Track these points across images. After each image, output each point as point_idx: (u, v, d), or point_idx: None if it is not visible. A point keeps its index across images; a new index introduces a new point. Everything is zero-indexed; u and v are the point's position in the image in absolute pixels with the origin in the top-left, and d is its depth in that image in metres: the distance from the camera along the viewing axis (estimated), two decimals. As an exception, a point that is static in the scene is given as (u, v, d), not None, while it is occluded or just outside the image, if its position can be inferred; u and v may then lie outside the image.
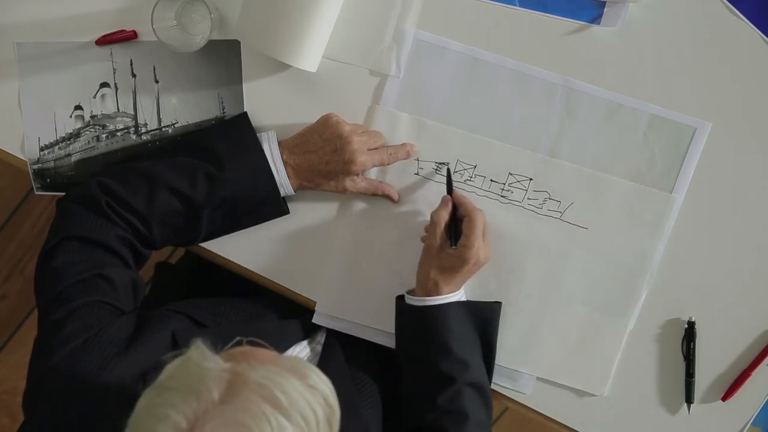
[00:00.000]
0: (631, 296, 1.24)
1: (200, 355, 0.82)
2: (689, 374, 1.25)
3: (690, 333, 1.24)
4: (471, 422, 1.17)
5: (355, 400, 1.21)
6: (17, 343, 2.20)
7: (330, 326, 1.27)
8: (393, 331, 1.26)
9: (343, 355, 1.25)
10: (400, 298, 1.23)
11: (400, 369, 1.24)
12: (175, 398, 0.78)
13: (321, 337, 1.27)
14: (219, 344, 0.86)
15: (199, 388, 0.78)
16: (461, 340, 1.18)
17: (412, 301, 1.20)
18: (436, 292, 1.18)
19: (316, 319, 1.27)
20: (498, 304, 1.23)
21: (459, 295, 1.20)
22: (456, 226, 1.19)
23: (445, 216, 1.18)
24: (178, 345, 1.09)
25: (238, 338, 0.93)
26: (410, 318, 1.21)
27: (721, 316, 1.24)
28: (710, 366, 1.26)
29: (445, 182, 1.22)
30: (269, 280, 1.28)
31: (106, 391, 1.03)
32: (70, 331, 1.06)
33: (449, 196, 1.20)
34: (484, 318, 1.21)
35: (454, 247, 1.17)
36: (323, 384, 0.84)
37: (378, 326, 1.27)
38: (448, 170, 1.22)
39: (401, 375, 1.24)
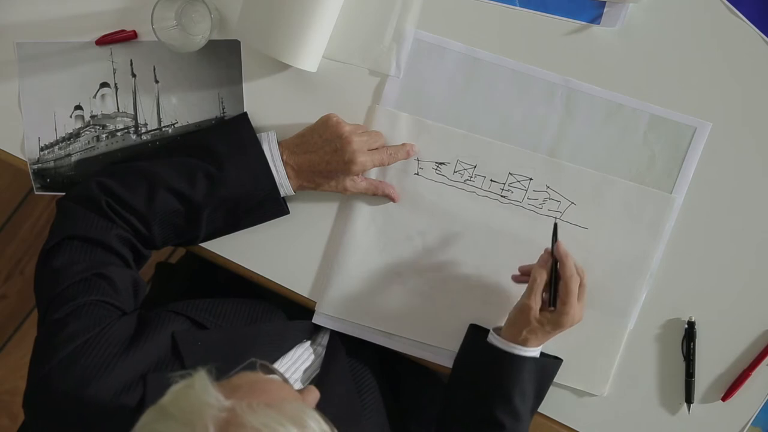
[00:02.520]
0: (631, 296, 1.24)
1: (203, 387, 0.81)
2: (689, 374, 1.25)
3: (690, 333, 1.24)
4: None
5: (356, 405, 1.21)
6: (17, 344, 2.20)
7: (330, 326, 1.27)
8: (393, 331, 1.27)
9: (346, 358, 1.25)
10: (479, 330, 1.22)
11: (448, 389, 1.24)
12: (173, 428, 0.78)
13: (323, 339, 1.27)
14: (224, 352, 0.85)
15: (195, 423, 0.78)
16: (524, 392, 1.17)
17: (496, 341, 1.18)
18: (526, 344, 1.17)
19: (316, 320, 1.27)
20: (560, 361, 1.23)
21: (538, 349, 1.19)
22: (555, 283, 1.16)
23: (545, 277, 1.15)
24: (178, 346, 1.09)
25: (252, 360, 0.92)
26: (486, 355, 1.19)
27: (721, 316, 1.24)
28: (710, 366, 1.26)
29: (551, 236, 1.17)
30: (269, 280, 1.28)
31: (107, 390, 1.03)
32: (71, 331, 1.06)
33: (549, 256, 1.16)
34: (547, 374, 1.21)
35: (552, 308, 1.15)
36: None
37: (378, 327, 1.27)
38: (555, 225, 1.17)
39: (446, 393, 1.24)
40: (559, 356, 1.24)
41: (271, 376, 0.90)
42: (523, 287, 1.18)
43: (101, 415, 1.02)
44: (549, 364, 1.21)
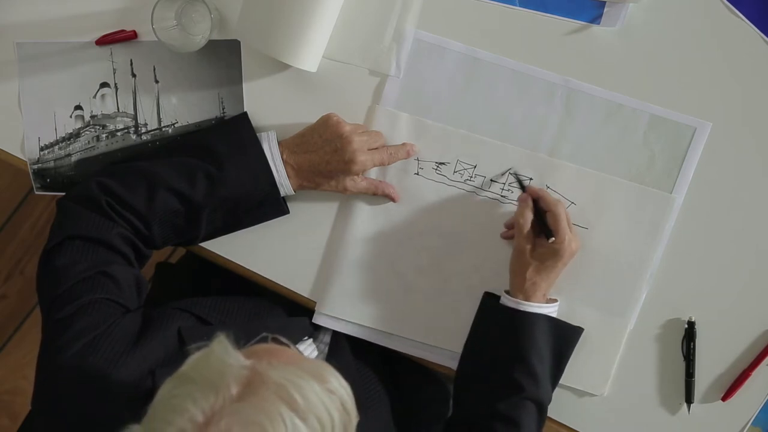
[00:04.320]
0: (631, 296, 1.24)
1: (223, 349, 0.82)
2: (689, 374, 1.25)
3: (690, 333, 1.24)
4: None
5: (362, 399, 1.21)
6: (17, 344, 2.20)
7: (330, 326, 1.27)
8: (393, 331, 1.27)
9: (350, 355, 1.25)
10: (491, 296, 1.22)
11: (463, 359, 1.23)
12: (195, 391, 0.79)
13: (325, 337, 1.27)
14: (242, 340, 0.86)
15: (218, 384, 0.79)
16: (540, 354, 1.17)
17: (507, 301, 1.19)
18: (533, 294, 1.17)
19: (316, 319, 1.27)
20: (581, 330, 1.22)
21: (552, 309, 1.20)
22: (541, 220, 1.18)
23: (529, 216, 1.17)
24: (184, 342, 1.09)
25: (264, 334, 0.93)
26: (498, 318, 1.20)
27: (721, 316, 1.24)
28: (710, 366, 1.26)
29: (516, 184, 1.21)
30: (269, 280, 1.28)
31: (116, 387, 1.03)
32: (78, 329, 1.06)
33: (526, 194, 1.18)
34: (565, 339, 1.20)
35: (552, 240, 1.16)
36: (342, 389, 0.84)
37: (378, 327, 1.27)
38: (515, 173, 1.21)
39: (461, 365, 1.23)
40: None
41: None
42: None
43: (111, 411, 1.02)
44: (566, 328, 1.20)
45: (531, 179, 1.23)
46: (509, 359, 1.17)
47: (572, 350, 1.21)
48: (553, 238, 1.16)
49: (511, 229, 1.22)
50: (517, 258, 1.18)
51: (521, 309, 1.17)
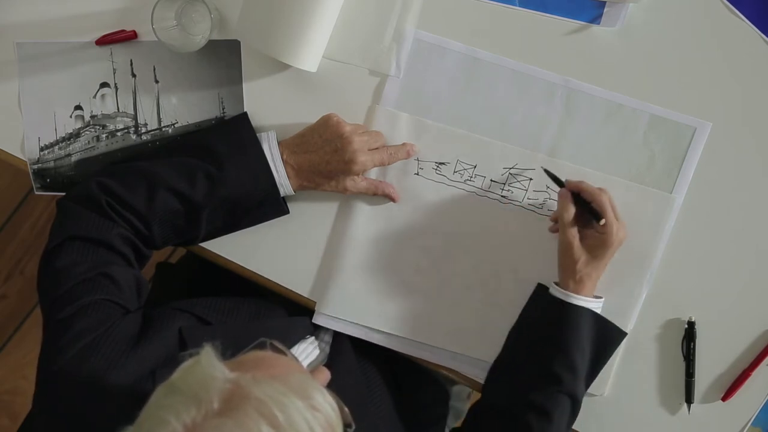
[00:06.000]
0: (631, 296, 1.24)
1: (208, 361, 0.82)
2: (689, 374, 1.25)
3: (690, 333, 1.24)
4: (553, 429, 1.16)
5: (364, 397, 1.21)
6: (17, 344, 2.20)
7: (330, 326, 1.27)
8: (393, 331, 1.27)
9: (353, 354, 1.25)
10: (542, 287, 1.22)
11: (505, 348, 1.23)
12: (179, 403, 0.79)
13: (327, 336, 1.27)
14: (231, 348, 0.86)
15: (201, 396, 0.78)
16: (582, 349, 1.17)
17: (556, 292, 1.19)
18: (583, 287, 1.17)
19: (316, 319, 1.27)
20: (624, 333, 1.22)
21: (598, 305, 1.20)
22: (585, 208, 1.17)
23: (572, 209, 1.17)
24: (185, 342, 1.09)
25: (262, 339, 0.93)
26: (546, 308, 1.20)
27: (721, 316, 1.24)
28: (710, 366, 1.26)
29: (552, 180, 1.20)
30: (269, 280, 1.28)
31: (116, 388, 1.03)
32: (78, 330, 1.06)
33: (565, 190, 1.18)
34: (608, 338, 1.20)
35: (603, 221, 1.15)
36: (327, 406, 0.83)
37: (377, 327, 1.27)
38: (546, 170, 1.20)
39: (502, 353, 1.23)
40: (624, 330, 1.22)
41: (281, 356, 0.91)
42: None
43: (112, 411, 1.02)
44: (611, 328, 1.20)
45: (531, 179, 1.23)
46: (552, 350, 1.17)
47: (613, 352, 1.21)
48: (603, 220, 1.15)
49: (556, 223, 1.22)
50: (565, 252, 1.18)
51: (570, 301, 1.17)
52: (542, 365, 1.17)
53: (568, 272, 1.18)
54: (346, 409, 0.86)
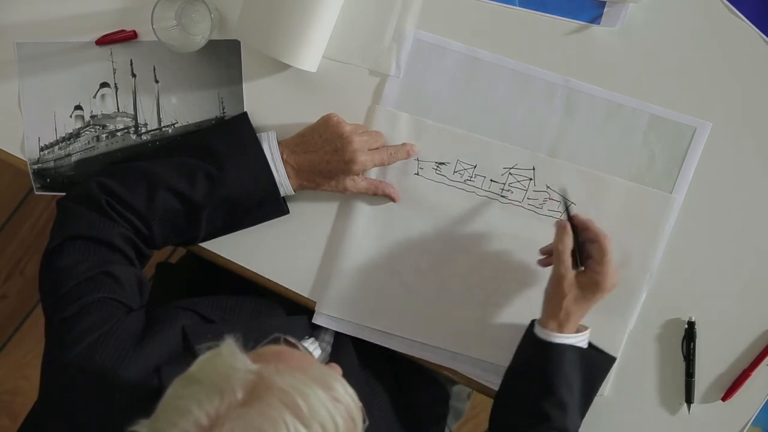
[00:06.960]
0: (631, 296, 1.24)
1: (230, 352, 0.82)
2: (689, 374, 1.25)
3: (690, 333, 1.24)
4: None
5: (368, 397, 1.21)
6: (17, 344, 2.20)
7: (330, 326, 1.27)
8: (393, 331, 1.27)
9: (354, 354, 1.25)
10: (532, 323, 1.21)
11: (501, 385, 1.23)
12: (200, 393, 0.79)
13: (327, 336, 1.27)
14: (251, 338, 0.86)
15: (223, 387, 0.79)
16: (570, 385, 1.16)
17: (539, 332, 1.17)
18: (566, 325, 1.16)
19: (316, 319, 1.27)
20: (613, 359, 1.21)
21: (582, 338, 1.18)
22: (578, 248, 1.15)
23: (569, 243, 1.14)
24: (188, 340, 1.09)
25: (276, 335, 0.94)
26: (532, 347, 1.19)
27: (721, 316, 1.24)
28: (710, 366, 1.26)
29: (564, 209, 1.18)
30: (269, 280, 1.28)
31: (122, 385, 1.03)
32: (83, 328, 1.06)
33: (566, 222, 1.15)
34: (595, 367, 1.19)
35: (581, 268, 1.14)
36: (348, 397, 0.84)
37: (377, 327, 1.27)
38: (564, 199, 1.18)
39: (499, 390, 1.23)
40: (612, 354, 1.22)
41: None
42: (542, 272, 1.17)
43: (117, 409, 1.02)
44: (596, 358, 1.19)
45: (531, 180, 1.23)
46: (539, 389, 1.16)
47: (603, 379, 1.21)
48: (582, 268, 1.15)
49: (547, 257, 1.21)
50: (555, 286, 1.16)
51: (551, 341, 1.16)
52: (532, 404, 1.17)
53: (553, 306, 1.16)
54: (360, 404, 0.87)
